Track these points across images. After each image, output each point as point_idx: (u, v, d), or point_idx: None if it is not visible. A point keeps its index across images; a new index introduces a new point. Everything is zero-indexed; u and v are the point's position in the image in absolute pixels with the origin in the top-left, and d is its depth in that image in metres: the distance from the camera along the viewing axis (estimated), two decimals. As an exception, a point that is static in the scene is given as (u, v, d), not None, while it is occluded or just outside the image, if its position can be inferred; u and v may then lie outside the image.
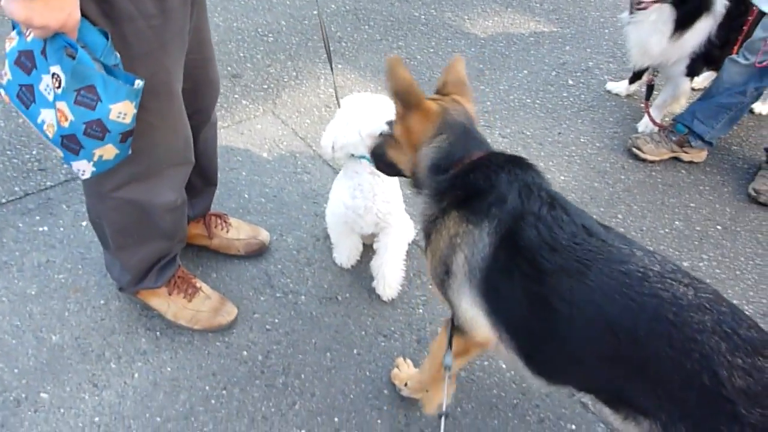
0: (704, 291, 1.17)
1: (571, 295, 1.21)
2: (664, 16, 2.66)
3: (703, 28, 2.66)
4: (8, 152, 2.60)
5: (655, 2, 2.61)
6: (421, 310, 2.19)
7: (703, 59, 2.78)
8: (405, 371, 1.96)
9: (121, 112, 1.33)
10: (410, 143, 1.50)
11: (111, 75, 1.30)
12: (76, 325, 2.07)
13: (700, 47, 2.71)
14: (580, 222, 1.29)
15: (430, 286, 2.24)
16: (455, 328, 1.50)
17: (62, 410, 1.86)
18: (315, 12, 3.29)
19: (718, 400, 1.08)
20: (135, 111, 1.37)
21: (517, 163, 1.42)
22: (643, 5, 2.63)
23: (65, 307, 2.12)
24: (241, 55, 3.25)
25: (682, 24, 2.65)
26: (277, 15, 3.56)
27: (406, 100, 1.45)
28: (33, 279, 2.19)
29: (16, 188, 2.48)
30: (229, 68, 3.15)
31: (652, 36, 2.72)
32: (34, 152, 2.63)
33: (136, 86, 1.33)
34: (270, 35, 3.41)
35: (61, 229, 2.35)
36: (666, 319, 1.12)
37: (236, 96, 3.01)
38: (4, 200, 2.42)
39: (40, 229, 2.35)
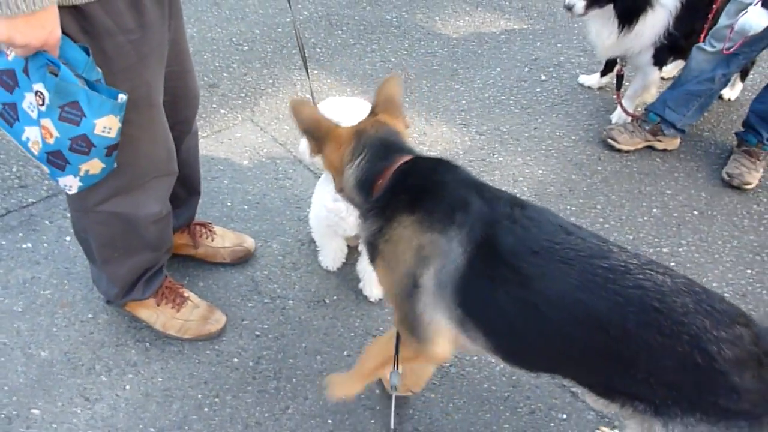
0: (678, 277, 1.21)
1: (559, 297, 1.22)
2: (607, 14, 2.75)
3: (657, 21, 2.72)
4: (-13, 171, 2.59)
5: (588, 9, 2.71)
6: (408, 308, 2.22)
7: (668, 49, 2.84)
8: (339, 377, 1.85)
9: (106, 126, 1.35)
10: (334, 171, 1.53)
11: (94, 90, 1.31)
12: (64, 339, 2.07)
13: (660, 38, 2.77)
14: (555, 222, 1.29)
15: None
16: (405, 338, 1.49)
17: (54, 426, 1.86)
18: (288, 19, 3.31)
19: (712, 374, 1.12)
20: (119, 125, 1.39)
21: (448, 164, 1.42)
22: (582, 13, 2.72)
23: (53, 322, 2.12)
24: (217, 64, 3.26)
25: (625, 21, 2.74)
26: (251, 24, 3.57)
27: (315, 135, 1.49)
28: (19, 296, 2.18)
29: (-3, 207, 2.47)
30: (205, 78, 3.16)
31: (603, 32, 2.81)
32: (14, 169, 2.62)
33: (119, 100, 1.35)
34: (245, 44, 3.43)
35: (45, 244, 2.35)
36: (652, 307, 1.15)
37: (214, 105, 3.02)
38: (-15, 219, 2.41)
39: (24, 245, 2.34)
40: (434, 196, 1.35)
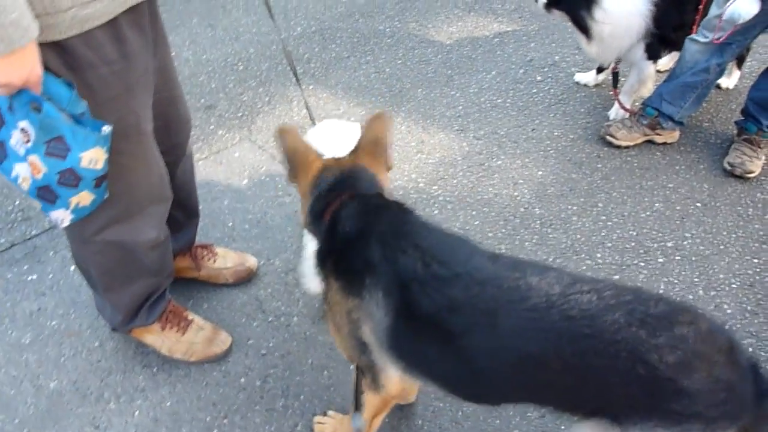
0: (605, 289, 1.19)
1: (490, 348, 1.22)
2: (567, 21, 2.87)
3: (632, 22, 2.75)
4: (-9, 206, 2.62)
5: (549, 8, 2.84)
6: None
7: (660, 42, 2.83)
8: (331, 423, 1.91)
9: (92, 158, 1.36)
10: (301, 195, 1.56)
11: (79, 124, 1.33)
12: (72, 369, 2.09)
13: (647, 34, 2.77)
14: (466, 269, 1.26)
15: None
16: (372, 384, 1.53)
17: (67, 456, 1.87)
18: (281, 36, 3.32)
19: (658, 383, 1.11)
20: (106, 156, 1.40)
21: (372, 206, 1.42)
22: (545, 10, 2.85)
23: (60, 352, 2.13)
24: (213, 86, 3.28)
25: (581, 29, 2.82)
26: (245, 43, 3.60)
27: (292, 162, 1.52)
28: (26, 328, 2.20)
29: (2, 239, 2.50)
30: (202, 100, 3.18)
31: (582, 40, 2.89)
32: (17, 202, 2.65)
33: (103, 132, 1.36)
34: (240, 63, 3.45)
35: (50, 275, 2.37)
36: (583, 335, 1.14)
37: (212, 127, 3.04)
38: (-10, 253, 2.44)
39: (30, 277, 2.36)
40: (351, 256, 1.36)
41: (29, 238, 2.50)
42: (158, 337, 2.08)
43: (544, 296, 1.19)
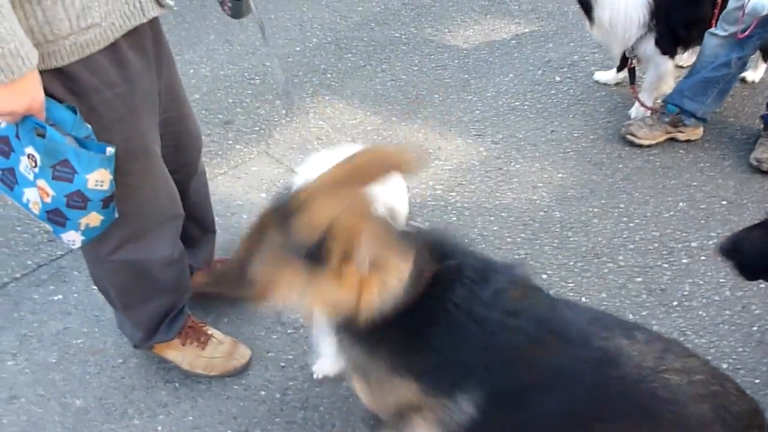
0: (695, 371, 1.17)
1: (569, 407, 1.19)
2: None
3: (631, 14, 2.72)
4: (18, 228, 2.68)
5: None
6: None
7: (670, 38, 2.78)
8: None
9: (98, 180, 1.39)
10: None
11: (83, 147, 1.35)
12: (97, 386, 2.12)
13: (652, 27, 2.74)
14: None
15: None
16: None
17: (91, 473, 1.90)
18: (297, 49, 3.36)
19: None
20: (111, 177, 1.43)
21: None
22: None
23: (86, 370, 2.17)
24: (231, 101, 3.32)
25: (585, 11, 2.83)
26: (261, 57, 3.63)
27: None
28: (53, 347, 2.24)
29: (29, 261, 2.55)
30: (220, 116, 3.22)
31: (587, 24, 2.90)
32: (41, 224, 2.70)
33: (107, 154, 1.39)
34: (256, 77, 3.48)
35: (75, 295, 2.41)
36: (667, 420, 1.12)
37: (230, 142, 3.07)
38: (18, 275, 2.49)
39: (55, 297, 2.41)
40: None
41: (54, 259, 2.54)
42: (179, 353, 2.10)
43: (635, 367, 1.16)
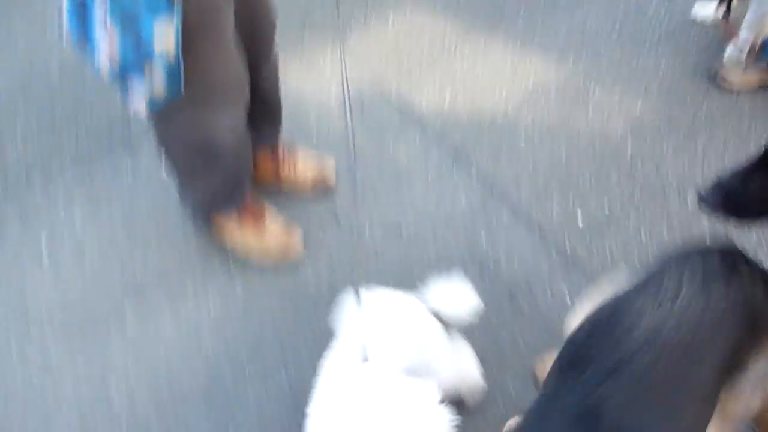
0: None
1: None
2: None
3: None
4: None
5: None
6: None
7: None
8: None
9: (164, 33, 1.40)
10: None
11: None
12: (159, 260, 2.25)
13: None
14: None
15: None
16: None
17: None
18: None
19: None
20: (176, 36, 1.43)
21: None
22: None
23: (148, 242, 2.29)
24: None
25: None
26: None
27: None
28: (118, 213, 2.36)
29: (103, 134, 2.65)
30: (297, 11, 3.18)
31: None
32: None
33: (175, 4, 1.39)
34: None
35: (145, 166, 2.51)
36: None
37: (305, 40, 3.05)
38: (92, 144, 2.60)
39: (126, 165, 2.52)
40: None
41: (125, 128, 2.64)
42: (236, 235, 2.16)
43: None
